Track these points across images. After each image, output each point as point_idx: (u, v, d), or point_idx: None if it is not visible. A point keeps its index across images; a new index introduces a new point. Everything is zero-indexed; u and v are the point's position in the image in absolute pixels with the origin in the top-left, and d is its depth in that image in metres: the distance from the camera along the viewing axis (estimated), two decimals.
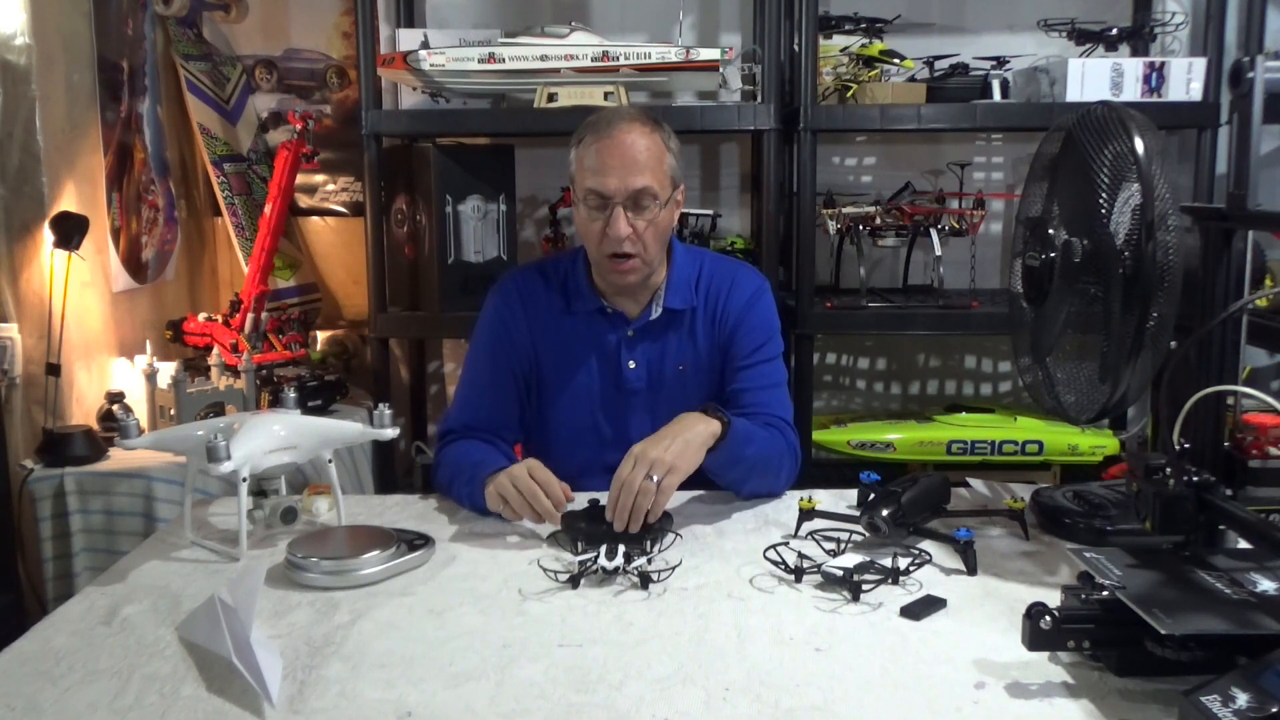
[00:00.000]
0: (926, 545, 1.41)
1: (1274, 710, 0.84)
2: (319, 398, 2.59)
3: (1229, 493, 1.17)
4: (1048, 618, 1.03)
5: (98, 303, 2.50)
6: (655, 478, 1.42)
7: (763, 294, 1.78)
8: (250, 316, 2.65)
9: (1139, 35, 2.77)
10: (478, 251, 2.71)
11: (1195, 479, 1.15)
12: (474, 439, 1.70)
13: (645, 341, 1.75)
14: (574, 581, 1.30)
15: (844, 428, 2.76)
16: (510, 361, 1.75)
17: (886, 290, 2.90)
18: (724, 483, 1.63)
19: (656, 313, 1.74)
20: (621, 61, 2.54)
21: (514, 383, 1.75)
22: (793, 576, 1.30)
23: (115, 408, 2.37)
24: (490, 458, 1.60)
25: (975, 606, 1.23)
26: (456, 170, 2.67)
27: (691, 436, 1.49)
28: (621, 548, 1.33)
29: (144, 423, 2.33)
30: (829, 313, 2.61)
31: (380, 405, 1.52)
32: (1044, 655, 1.08)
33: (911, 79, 2.74)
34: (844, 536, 1.42)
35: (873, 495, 1.46)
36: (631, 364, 1.74)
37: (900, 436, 2.71)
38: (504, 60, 2.53)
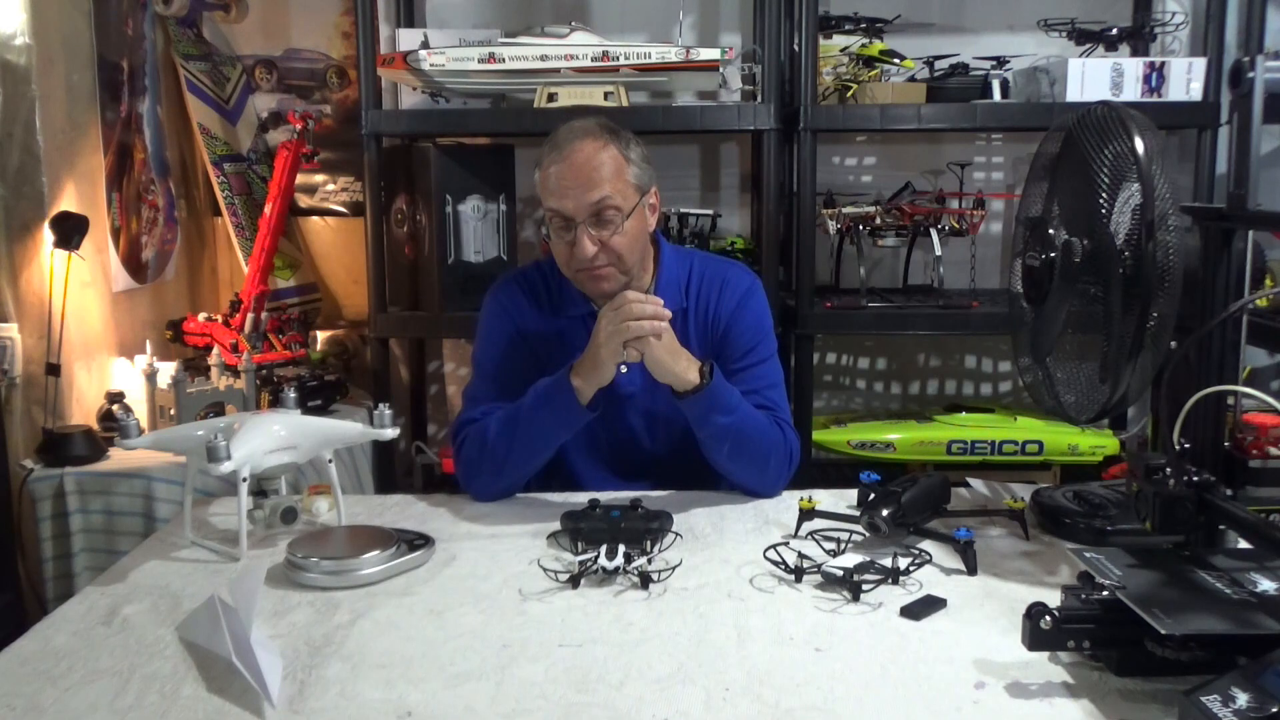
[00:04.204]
0: (926, 545, 1.41)
1: (1274, 710, 0.84)
2: (319, 398, 2.59)
3: (1229, 493, 1.17)
4: (1048, 618, 1.03)
5: (98, 303, 2.50)
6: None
7: (754, 294, 1.77)
8: (250, 316, 2.65)
9: (1139, 35, 2.76)
10: (478, 251, 2.71)
11: (1195, 479, 1.15)
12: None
13: None
14: (574, 581, 1.30)
15: (844, 428, 2.76)
16: (520, 346, 1.75)
17: (886, 290, 2.89)
18: (706, 452, 1.63)
19: None
20: (621, 61, 2.54)
21: (525, 362, 1.74)
22: (793, 576, 1.30)
23: (115, 408, 2.37)
24: (535, 388, 1.63)
25: (975, 606, 1.23)
26: (456, 170, 2.66)
27: (677, 358, 1.57)
28: (622, 548, 1.33)
29: (144, 423, 2.33)
30: (829, 313, 2.61)
31: (380, 405, 1.52)
32: (1044, 655, 1.08)
33: (911, 79, 2.73)
34: (844, 536, 1.42)
35: (873, 495, 1.46)
36: (624, 367, 1.73)
37: (900, 436, 2.71)
38: (504, 60, 2.53)
